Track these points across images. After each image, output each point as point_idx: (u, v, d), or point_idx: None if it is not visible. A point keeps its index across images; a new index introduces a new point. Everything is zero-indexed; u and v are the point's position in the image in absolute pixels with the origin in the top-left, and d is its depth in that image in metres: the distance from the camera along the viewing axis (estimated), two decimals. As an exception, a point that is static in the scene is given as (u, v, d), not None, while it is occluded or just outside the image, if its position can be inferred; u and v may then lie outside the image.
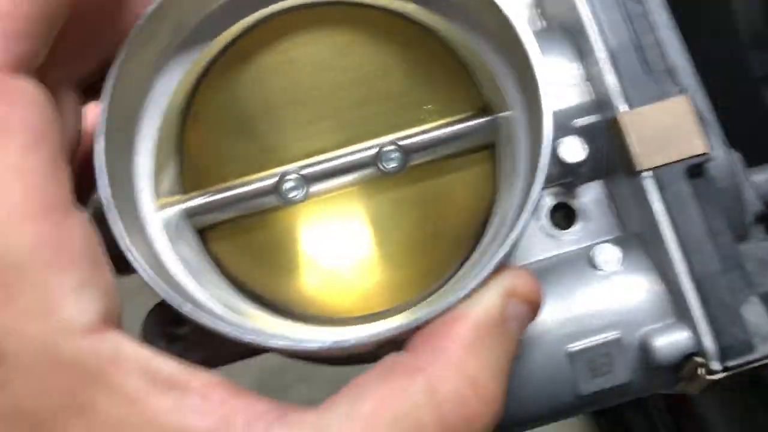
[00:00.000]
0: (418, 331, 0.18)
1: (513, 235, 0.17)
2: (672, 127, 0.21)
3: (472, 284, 0.18)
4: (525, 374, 0.23)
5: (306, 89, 0.20)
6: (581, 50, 0.24)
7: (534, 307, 0.20)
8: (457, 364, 0.18)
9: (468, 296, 0.18)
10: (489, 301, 0.18)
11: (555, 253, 0.24)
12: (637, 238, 0.24)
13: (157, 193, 0.20)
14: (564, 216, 0.23)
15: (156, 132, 0.20)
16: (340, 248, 0.20)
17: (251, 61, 0.21)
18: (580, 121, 0.23)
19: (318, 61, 0.20)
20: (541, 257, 0.24)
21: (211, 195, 0.20)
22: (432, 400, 0.18)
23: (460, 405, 0.18)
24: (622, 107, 0.22)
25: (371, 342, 0.18)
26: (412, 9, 0.20)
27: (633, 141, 0.21)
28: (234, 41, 0.21)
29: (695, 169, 0.21)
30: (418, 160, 0.20)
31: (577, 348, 0.23)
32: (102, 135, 0.18)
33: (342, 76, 0.20)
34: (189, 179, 0.20)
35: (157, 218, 0.19)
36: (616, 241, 0.24)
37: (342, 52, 0.20)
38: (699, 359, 0.21)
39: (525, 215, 0.17)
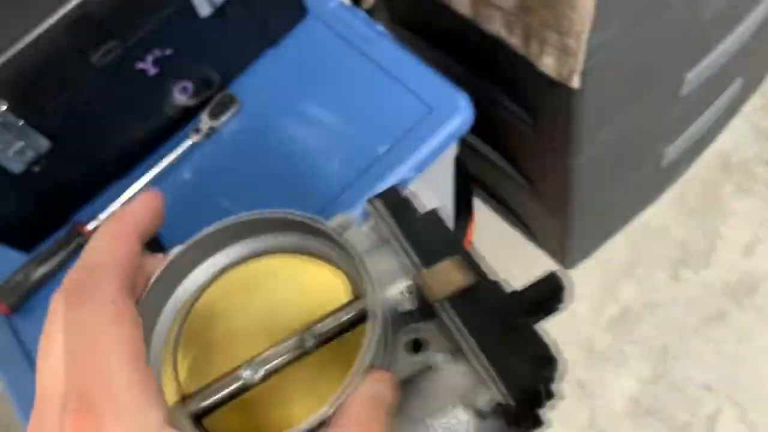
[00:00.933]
0: None
1: (350, 377, 0.26)
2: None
3: (336, 398, 0.25)
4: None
5: (255, 321, 0.31)
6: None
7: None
8: None
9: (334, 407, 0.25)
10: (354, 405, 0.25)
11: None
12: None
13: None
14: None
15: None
16: (281, 401, 0.29)
17: (216, 307, 0.31)
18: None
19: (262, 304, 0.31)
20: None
21: (205, 390, 0.28)
22: None
23: None
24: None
25: None
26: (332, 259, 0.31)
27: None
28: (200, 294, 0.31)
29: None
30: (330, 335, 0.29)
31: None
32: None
33: (273, 308, 0.31)
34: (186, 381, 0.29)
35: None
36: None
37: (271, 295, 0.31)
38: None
39: (359, 365, 0.26)
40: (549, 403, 0.27)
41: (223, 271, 0.31)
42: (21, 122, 0.60)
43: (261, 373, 0.28)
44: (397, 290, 0.30)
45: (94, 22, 0.59)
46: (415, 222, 0.32)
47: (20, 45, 0.55)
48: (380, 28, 0.80)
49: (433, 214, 0.32)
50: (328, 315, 0.29)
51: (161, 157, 0.76)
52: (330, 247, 0.30)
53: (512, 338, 0.27)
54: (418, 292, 0.29)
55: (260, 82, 0.78)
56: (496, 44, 0.82)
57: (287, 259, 0.31)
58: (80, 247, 0.72)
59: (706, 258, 1.32)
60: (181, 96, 0.75)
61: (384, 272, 0.30)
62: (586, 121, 0.87)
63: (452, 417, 0.27)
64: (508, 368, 0.26)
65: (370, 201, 0.33)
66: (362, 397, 0.25)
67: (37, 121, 0.61)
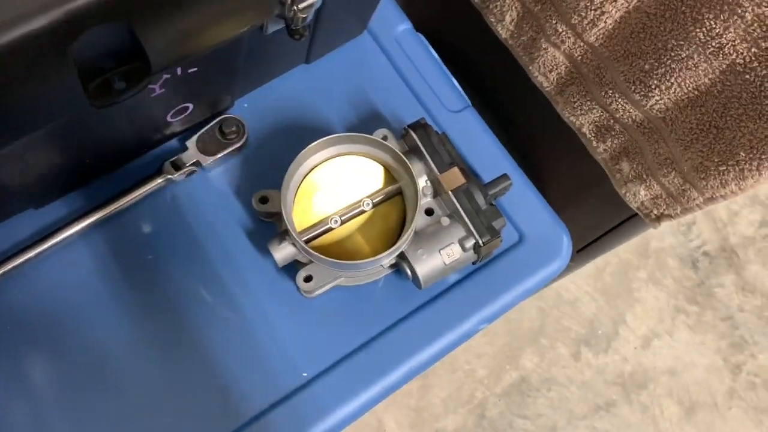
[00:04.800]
0: None
1: (411, 228, 0.46)
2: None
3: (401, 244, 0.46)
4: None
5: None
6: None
7: None
8: None
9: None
10: None
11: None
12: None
13: None
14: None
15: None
16: (353, 235, 0.49)
17: (317, 182, 0.49)
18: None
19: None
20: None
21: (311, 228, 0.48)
22: None
23: None
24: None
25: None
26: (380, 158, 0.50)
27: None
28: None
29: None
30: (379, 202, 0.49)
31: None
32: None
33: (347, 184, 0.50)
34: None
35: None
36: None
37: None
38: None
39: (413, 223, 0.46)
40: (493, 242, 0.48)
41: (321, 162, 0.49)
42: None
43: (339, 221, 0.48)
44: (421, 182, 0.50)
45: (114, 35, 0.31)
46: (434, 140, 0.50)
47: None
48: (459, 87, 0.58)
49: (444, 136, 0.51)
50: (377, 191, 0.49)
51: (116, 190, 0.49)
52: (379, 149, 0.49)
53: (483, 212, 0.48)
54: (434, 184, 0.50)
55: (275, 110, 0.53)
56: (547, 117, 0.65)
57: (355, 157, 0.50)
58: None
59: (607, 342, 1.29)
60: (177, 118, 0.48)
61: (416, 170, 0.49)
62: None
63: (451, 249, 0.47)
64: (480, 227, 0.48)
65: (404, 128, 0.51)
66: None
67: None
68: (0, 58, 0.27)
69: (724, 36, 0.46)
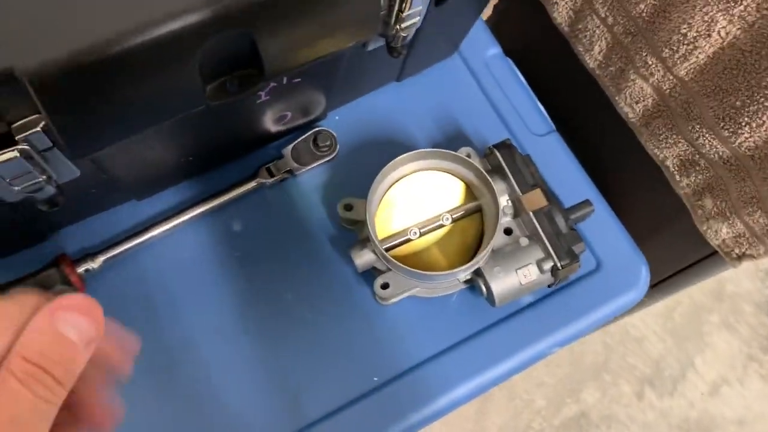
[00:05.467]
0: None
1: (490, 245, 0.48)
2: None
3: (478, 260, 0.48)
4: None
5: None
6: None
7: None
8: None
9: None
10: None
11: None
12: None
13: None
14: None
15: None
16: (430, 248, 0.51)
17: (399, 195, 0.51)
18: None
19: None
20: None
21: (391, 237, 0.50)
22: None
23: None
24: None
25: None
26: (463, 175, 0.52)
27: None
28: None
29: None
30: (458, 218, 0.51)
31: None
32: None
33: (428, 198, 0.52)
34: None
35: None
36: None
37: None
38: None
39: (492, 241, 0.48)
40: (571, 266, 0.49)
41: (406, 175, 0.51)
42: (53, 149, 0.34)
43: (418, 233, 0.50)
44: (503, 201, 0.51)
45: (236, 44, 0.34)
46: (518, 161, 0.52)
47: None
48: (544, 112, 0.59)
49: (527, 158, 0.52)
50: (458, 207, 0.51)
51: (213, 188, 0.52)
52: (462, 166, 0.51)
53: (563, 236, 0.49)
54: (515, 205, 0.51)
55: (366, 123, 0.56)
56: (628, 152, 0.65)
57: (438, 172, 0.52)
58: (55, 280, 0.47)
59: (673, 384, 1.25)
60: (275, 125, 0.51)
61: (499, 189, 0.51)
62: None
63: (528, 270, 0.48)
64: (559, 250, 0.49)
65: (489, 148, 0.53)
66: None
67: (80, 149, 0.36)
68: (138, 55, 0.30)
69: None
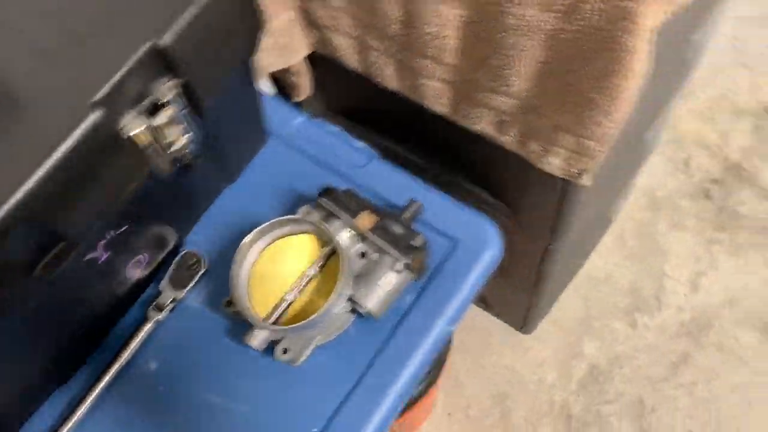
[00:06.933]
0: None
1: (344, 274, 0.55)
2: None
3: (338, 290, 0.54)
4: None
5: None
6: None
7: None
8: None
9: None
10: None
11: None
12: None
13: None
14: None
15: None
16: (312, 299, 0.58)
17: (266, 264, 0.58)
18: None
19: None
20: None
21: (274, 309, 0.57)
22: None
23: None
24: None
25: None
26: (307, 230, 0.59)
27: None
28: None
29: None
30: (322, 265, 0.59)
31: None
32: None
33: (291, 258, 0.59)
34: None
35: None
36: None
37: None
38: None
39: (345, 269, 0.55)
40: (418, 257, 0.56)
41: (265, 246, 0.58)
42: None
43: (295, 294, 0.57)
44: (346, 234, 0.58)
45: (37, 226, 0.41)
46: (341, 197, 0.59)
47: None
48: (361, 144, 0.67)
49: (349, 190, 0.60)
50: (318, 258, 0.58)
51: (113, 351, 0.58)
52: (302, 224, 0.58)
53: (402, 237, 0.57)
54: (356, 231, 0.58)
55: (220, 228, 0.63)
56: (470, 137, 0.72)
57: (288, 238, 0.59)
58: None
59: (657, 300, 1.31)
60: (134, 271, 0.58)
61: (336, 227, 0.58)
62: (577, 210, 0.80)
63: (386, 278, 0.56)
64: (402, 249, 0.56)
65: (318, 197, 0.60)
66: None
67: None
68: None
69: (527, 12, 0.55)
